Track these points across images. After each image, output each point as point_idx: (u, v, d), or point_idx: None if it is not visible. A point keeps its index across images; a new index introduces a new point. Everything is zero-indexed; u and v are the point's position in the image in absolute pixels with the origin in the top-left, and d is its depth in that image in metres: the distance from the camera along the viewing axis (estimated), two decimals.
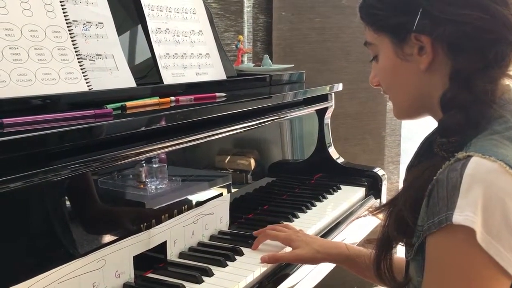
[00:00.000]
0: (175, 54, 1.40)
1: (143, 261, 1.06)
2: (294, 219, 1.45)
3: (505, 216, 0.68)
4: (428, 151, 0.87)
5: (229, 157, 1.45)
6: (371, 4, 0.89)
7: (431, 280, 0.75)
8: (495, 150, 0.71)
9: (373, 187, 1.78)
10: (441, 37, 0.80)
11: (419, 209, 0.78)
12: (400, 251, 0.95)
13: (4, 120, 0.86)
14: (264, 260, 1.13)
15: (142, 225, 1.07)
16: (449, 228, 0.70)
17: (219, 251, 1.19)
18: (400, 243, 0.86)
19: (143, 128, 1.05)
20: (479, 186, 0.69)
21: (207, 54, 1.51)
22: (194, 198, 1.24)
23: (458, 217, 0.69)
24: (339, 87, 1.84)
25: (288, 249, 1.20)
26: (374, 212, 0.97)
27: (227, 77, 1.55)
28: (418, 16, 0.81)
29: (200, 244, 1.23)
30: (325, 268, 1.32)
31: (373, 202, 1.73)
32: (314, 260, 1.16)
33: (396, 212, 0.83)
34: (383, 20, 0.86)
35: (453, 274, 0.71)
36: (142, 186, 1.13)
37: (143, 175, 1.12)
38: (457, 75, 0.80)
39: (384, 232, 0.87)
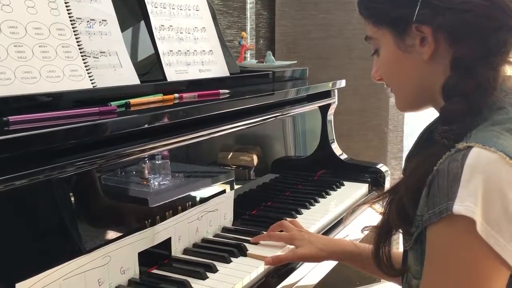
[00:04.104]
0: (179, 51, 1.40)
1: (148, 258, 1.07)
2: (297, 215, 1.45)
3: (505, 206, 0.69)
4: (429, 140, 0.87)
5: (232, 153, 1.46)
6: None
7: (431, 270, 0.75)
8: (495, 141, 0.72)
9: (376, 183, 1.78)
10: (442, 26, 0.80)
11: (419, 198, 0.78)
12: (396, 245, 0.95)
13: (9, 117, 0.87)
14: (268, 262, 1.13)
15: (146, 222, 1.08)
16: (449, 218, 0.71)
17: (223, 247, 1.19)
18: (399, 230, 0.87)
19: (147, 125, 1.05)
20: (479, 177, 0.69)
21: (210, 51, 1.51)
22: (198, 194, 1.24)
23: (459, 207, 0.69)
24: (342, 83, 1.84)
25: (291, 246, 1.21)
26: (374, 200, 0.97)
27: (230, 73, 1.55)
28: (418, 6, 0.81)
29: (204, 240, 1.24)
30: (329, 264, 1.32)
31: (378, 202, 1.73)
32: (317, 258, 1.17)
33: (397, 200, 0.83)
34: (382, 13, 0.87)
35: (453, 264, 0.72)
36: (145, 182, 1.13)
37: (147, 172, 1.13)
38: (458, 63, 0.80)
39: (384, 219, 0.87)
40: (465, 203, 0.69)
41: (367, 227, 1.00)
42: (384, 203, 0.89)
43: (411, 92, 0.90)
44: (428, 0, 0.80)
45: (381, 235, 0.89)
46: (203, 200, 1.25)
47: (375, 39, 0.90)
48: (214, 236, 1.28)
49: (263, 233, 1.27)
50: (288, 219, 1.38)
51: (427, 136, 0.91)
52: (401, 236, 0.89)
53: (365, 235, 1.02)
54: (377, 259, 0.89)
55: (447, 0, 0.79)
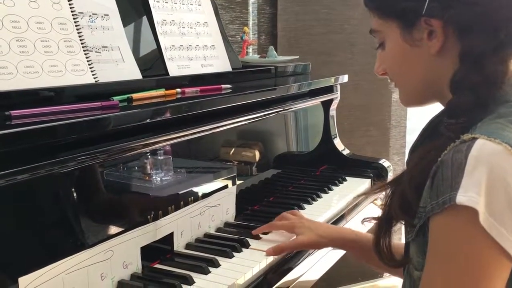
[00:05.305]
0: (181, 45, 1.40)
1: (150, 252, 1.07)
2: (300, 210, 1.45)
3: (509, 198, 0.69)
4: (433, 133, 0.87)
5: (234, 149, 1.45)
6: None
7: (433, 261, 0.75)
8: (500, 133, 0.71)
9: (379, 179, 1.78)
10: (452, 20, 0.79)
11: (422, 189, 0.78)
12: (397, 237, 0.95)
13: (12, 112, 0.87)
14: (269, 253, 1.13)
15: (149, 217, 1.08)
16: (452, 209, 0.71)
17: (225, 242, 1.19)
18: (401, 221, 0.87)
19: (149, 120, 1.05)
20: (483, 168, 0.69)
21: (212, 45, 1.51)
22: (200, 189, 1.24)
23: (462, 198, 0.69)
24: (344, 78, 1.84)
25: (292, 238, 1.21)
26: (376, 191, 0.97)
27: (232, 68, 1.54)
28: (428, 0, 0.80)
29: (207, 235, 1.24)
30: (331, 259, 1.32)
31: (379, 193, 1.73)
32: (317, 245, 1.17)
33: (400, 191, 0.83)
34: (390, 5, 0.85)
35: (455, 255, 0.72)
36: (148, 178, 1.13)
37: (149, 167, 1.13)
38: (468, 56, 0.79)
39: (386, 210, 0.87)
40: (469, 194, 0.69)
41: (367, 218, 1.00)
42: (386, 194, 0.89)
43: (416, 86, 0.89)
44: None
45: (382, 226, 0.88)
46: (205, 195, 1.25)
47: (380, 32, 0.89)
48: (216, 231, 1.28)
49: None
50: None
51: (432, 128, 0.90)
52: (402, 227, 0.89)
53: (365, 225, 1.02)
54: (377, 249, 0.89)
55: None
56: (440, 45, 0.81)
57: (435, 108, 0.90)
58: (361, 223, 1.04)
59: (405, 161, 0.92)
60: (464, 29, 0.79)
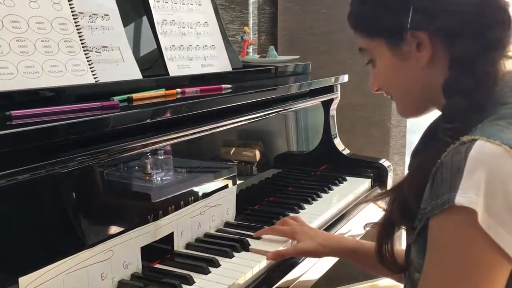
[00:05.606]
0: (181, 45, 1.40)
1: (150, 252, 1.07)
2: (300, 210, 1.45)
3: (508, 199, 0.69)
4: (434, 136, 0.87)
5: (234, 148, 1.46)
6: (360, 12, 0.90)
7: (431, 262, 0.75)
8: (500, 134, 0.72)
9: (379, 179, 1.78)
10: (438, 30, 0.80)
11: (423, 194, 0.78)
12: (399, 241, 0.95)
13: (12, 112, 0.87)
14: (270, 257, 1.14)
15: (149, 217, 1.08)
16: (451, 210, 0.71)
17: (225, 242, 1.19)
18: (402, 227, 0.87)
19: (149, 120, 1.05)
20: (482, 169, 0.69)
21: (212, 45, 1.51)
22: (200, 189, 1.24)
23: (461, 199, 0.69)
24: (345, 78, 1.84)
25: (295, 242, 1.21)
26: (378, 198, 0.97)
27: (232, 68, 1.55)
28: (411, 13, 0.81)
29: (207, 235, 1.24)
30: (331, 259, 1.32)
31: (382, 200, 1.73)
32: (317, 254, 1.17)
33: (401, 198, 0.83)
34: (375, 25, 0.87)
35: (454, 256, 0.72)
36: (148, 178, 1.13)
37: (150, 167, 1.13)
38: (457, 61, 0.80)
39: (387, 217, 0.87)
40: (468, 195, 0.69)
41: (369, 223, 0.99)
42: (388, 200, 0.89)
43: (413, 98, 0.90)
44: (420, 5, 0.81)
45: (383, 232, 0.88)
46: (206, 195, 1.25)
47: (369, 50, 0.90)
48: (216, 231, 1.28)
49: (265, 227, 1.27)
50: (291, 214, 1.38)
51: (433, 132, 0.91)
52: (403, 232, 0.89)
53: (366, 230, 1.02)
54: (380, 256, 0.89)
55: (440, 2, 0.80)
56: (429, 55, 0.82)
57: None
58: (363, 229, 1.04)
59: (407, 165, 0.92)
60: (451, 37, 0.80)
